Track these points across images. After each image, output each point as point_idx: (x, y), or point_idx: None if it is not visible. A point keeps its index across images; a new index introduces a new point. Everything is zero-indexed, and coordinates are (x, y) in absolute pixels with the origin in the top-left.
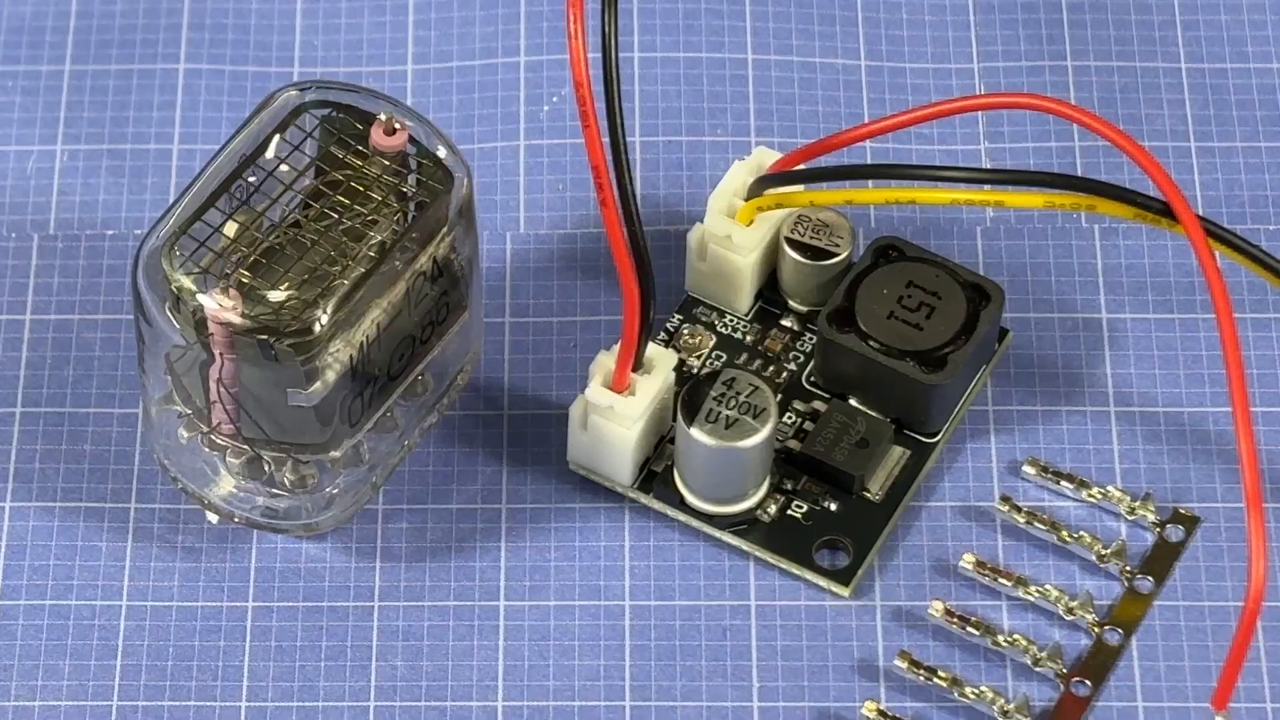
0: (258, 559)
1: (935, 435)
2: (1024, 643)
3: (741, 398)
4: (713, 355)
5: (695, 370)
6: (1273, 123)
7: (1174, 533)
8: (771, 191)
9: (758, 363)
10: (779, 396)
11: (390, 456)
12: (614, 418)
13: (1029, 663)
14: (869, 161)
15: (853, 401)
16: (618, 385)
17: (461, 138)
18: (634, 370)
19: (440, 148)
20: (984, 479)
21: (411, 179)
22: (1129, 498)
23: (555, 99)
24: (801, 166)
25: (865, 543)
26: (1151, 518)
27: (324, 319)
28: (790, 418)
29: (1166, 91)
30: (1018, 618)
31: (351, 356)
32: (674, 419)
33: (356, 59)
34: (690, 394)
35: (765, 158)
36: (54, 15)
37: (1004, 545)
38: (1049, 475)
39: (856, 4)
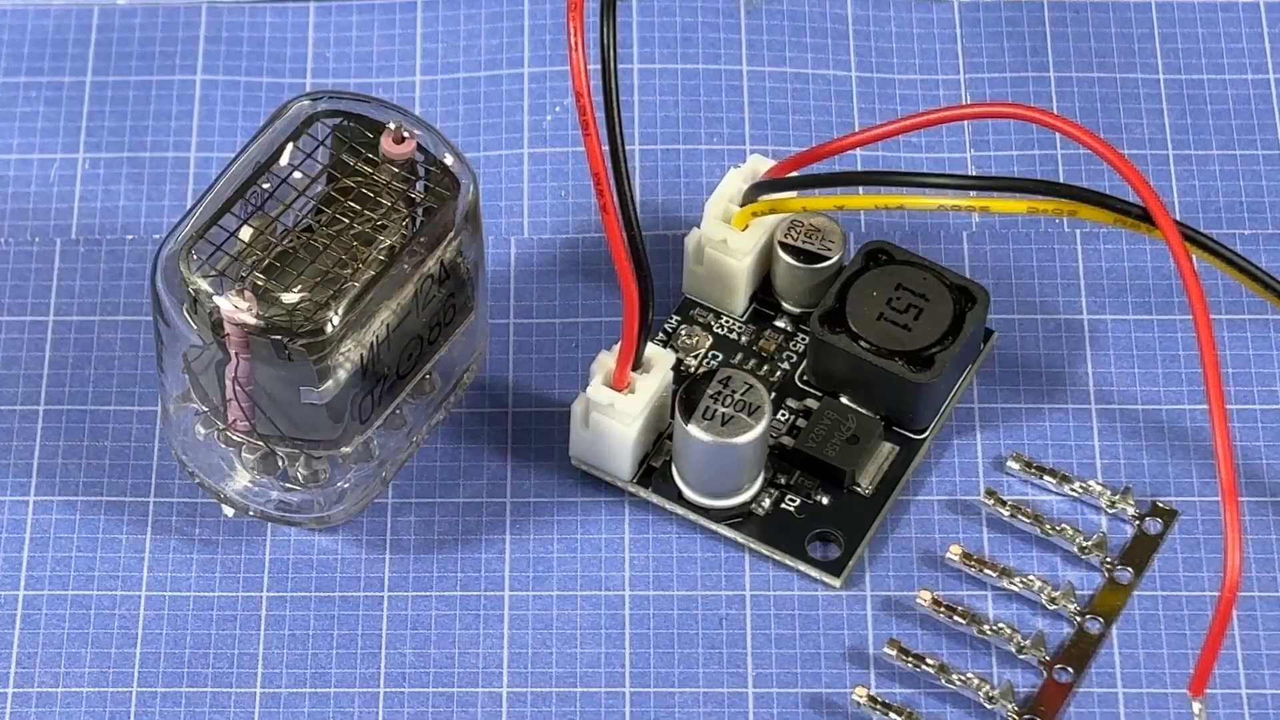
0: (272, 551)
1: (923, 432)
2: (1008, 631)
3: (737, 396)
4: (709, 355)
5: (693, 369)
6: (1247, 131)
7: (1152, 525)
8: (765, 197)
9: (752, 362)
10: (773, 394)
11: (399, 452)
12: (614, 415)
13: (1013, 650)
14: (859, 169)
15: (844, 399)
16: (618, 384)
17: (468, 146)
18: (634, 369)
19: (447, 155)
20: (970, 474)
21: (420, 186)
22: (1109, 492)
23: (557, 109)
24: (794, 173)
25: (856, 535)
26: (1131, 511)
27: (335, 320)
28: (784, 415)
29: (1145, 101)
30: (1002, 607)
31: (362, 356)
32: (672, 416)
33: (367, 70)
34: (688, 392)
35: (759, 165)
36: (76, 29)
37: (989, 537)
38: (1032, 470)
39: (847, 18)
